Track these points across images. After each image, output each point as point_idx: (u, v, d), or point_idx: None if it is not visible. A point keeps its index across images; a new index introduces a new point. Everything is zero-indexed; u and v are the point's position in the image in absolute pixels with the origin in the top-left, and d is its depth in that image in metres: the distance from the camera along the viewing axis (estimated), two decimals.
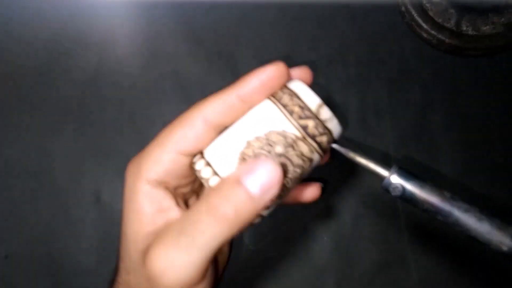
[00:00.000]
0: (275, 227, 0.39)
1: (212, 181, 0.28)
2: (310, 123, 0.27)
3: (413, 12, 0.41)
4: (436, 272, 0.39)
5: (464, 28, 0.40)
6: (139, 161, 0.29)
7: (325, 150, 0.28)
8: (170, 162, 0.28)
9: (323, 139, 0.27)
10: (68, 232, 0.38)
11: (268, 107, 0.28)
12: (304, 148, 0.27)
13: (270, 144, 0.27)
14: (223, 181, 0.27)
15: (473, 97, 0.41)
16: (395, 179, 0.29)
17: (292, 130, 0.27)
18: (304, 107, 0.27)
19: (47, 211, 0.38)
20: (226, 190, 0.26)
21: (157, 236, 0.26)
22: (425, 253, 0.39)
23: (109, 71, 0.40)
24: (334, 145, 0.29)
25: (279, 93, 0.28)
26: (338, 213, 0.39)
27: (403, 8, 0.41)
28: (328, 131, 0.27)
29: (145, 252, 0.26)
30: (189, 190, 0.31)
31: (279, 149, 0.27)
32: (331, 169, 0.40)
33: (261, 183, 0.26)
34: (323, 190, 0.35)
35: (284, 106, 0.27)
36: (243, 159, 0.28)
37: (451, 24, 0.40)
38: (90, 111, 0.40)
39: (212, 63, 0.41)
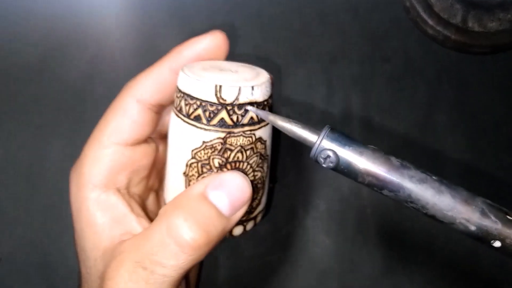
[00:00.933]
0: (274, 230, 0.38)
1: None
2: (223, 115, 0.23)
3: (418, 8, 0.40)
4: (438, 276, 0.38)
5: (470, 25, 0.40)
6: (78, 163, 0.26)
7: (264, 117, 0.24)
8: (110, 157, 0.25)
9: (251, 114, 0.23)
10: (62, 234, 0.37)
11: (176, 124, 0.24)
12: (239, 140, 0.23)
13: (204, 163, 0.23)
14: (183, 195, 0.23)
15: (479, 95, 0.41)
16: (326, 145, 0.22)
17: (212, 136, 0.23)
18: (204, 104, 0.22)
19: (41, 213, 0.37)
20: (191, 207, 0.22)
21: (113, 259, 0.22)
22: (428, 257, 0.38)
23: (104, 69, 0.39)
24: (249, 107, 0.23)
25: (176, 100, 0.24)
26: (340, 216, 0.39)
27: (407, 4, 0.40)
28: (250, 104, 0.23)
29: (101, 278, 0.23)
30: (144, 188, 0.28)
31: (217, 161, 0.23)
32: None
33: (231, 199, 0.22)
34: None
35: (187, 115, 0.23)
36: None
37: (457, 20, 0.40)
38: (85, 110, 0.39)
39: None
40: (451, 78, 0.41)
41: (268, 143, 0.26)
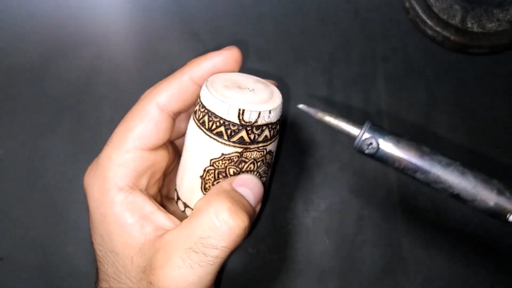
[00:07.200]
0: (275, 229, 0.38)
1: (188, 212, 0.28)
2: (243, 134, 0.25)
3: (418, 8, 0.40)
4: (438, 276, 0.38)
5: (469, 25, 0.40)
6: (100, 169, 0.27)
7: (277, 132, 0.27)
8: (135, 161, 0.26)
9: (265, 133, 0.26)
10: (63, 234, 0.37)
11: (197, 135, 0.26)
12: (253, 154, 0.26)
13: (221, 171, 0.26)
14: (218, 189, 0.25)
15: (478, 96, 0.41)
16: (368, 136, 0.26)
17: (230, 150, 0.26)
18: (227, 123, 0.25)
19: (42, 212, 0.38)
20: (231, 197, 0.24)
21: (158, 251, 0.24)
22: (427, 257, 0.38)
23: (105, 69, 0.39)
24: (301, 106, 0.27)
25: (198, 113, 0.26)
26: (340, 215, 0.39)
27: (407, 4, 0.40)
28: (266, 125, 0.26)
29: (148, 270, 0.24)
30: (157, 190, 0.29)
31: (232, 170, 0.26)
32: (333, 170, 0.39)
33: (254, 193, 0.26)
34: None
35: (210, 129, 0.26)
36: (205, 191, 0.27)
37: (456, 21, 0.40)
38: (85, 110, 0.39)
39: None
40: (451, 79, 0.41)
41: (274, 154, 0.29)
